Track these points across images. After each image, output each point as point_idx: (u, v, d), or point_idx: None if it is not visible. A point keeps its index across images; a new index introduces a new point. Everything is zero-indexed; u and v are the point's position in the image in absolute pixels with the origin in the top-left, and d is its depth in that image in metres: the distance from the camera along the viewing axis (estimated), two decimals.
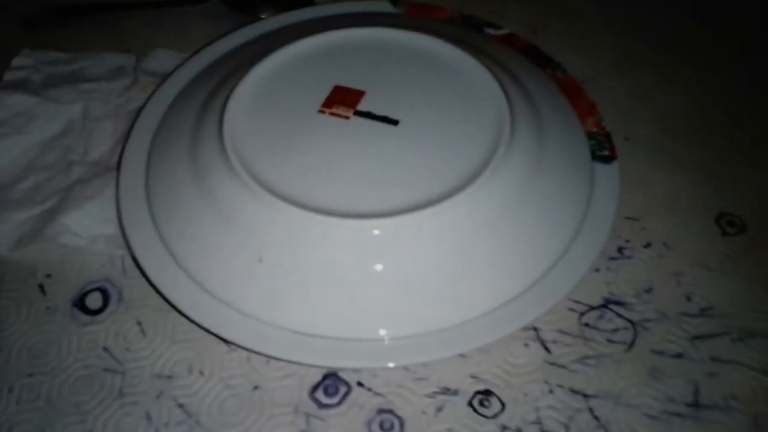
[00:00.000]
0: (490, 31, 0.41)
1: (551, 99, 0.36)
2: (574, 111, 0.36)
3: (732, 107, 0.42)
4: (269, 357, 0.30)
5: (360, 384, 0.30)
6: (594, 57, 0.45)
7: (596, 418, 0.29)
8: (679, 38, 0.47)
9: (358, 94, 0.33)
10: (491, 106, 0.33)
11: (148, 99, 0.39)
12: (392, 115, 0.33)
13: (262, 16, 0.47)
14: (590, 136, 0.35)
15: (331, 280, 0.29)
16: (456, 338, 0.28)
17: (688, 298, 0.33)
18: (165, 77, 0.40)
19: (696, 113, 0.42)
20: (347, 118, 0.32)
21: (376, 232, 0.29)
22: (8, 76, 0.44)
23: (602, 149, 0.35)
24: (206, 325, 0.29)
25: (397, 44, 0.36)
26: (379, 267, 0.29)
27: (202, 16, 0.49)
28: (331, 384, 0.30)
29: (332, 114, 0.33)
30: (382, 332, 0.28)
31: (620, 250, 0.35)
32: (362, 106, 0.33)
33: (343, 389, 0.30)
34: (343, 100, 0.33)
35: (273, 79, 0.35)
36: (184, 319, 0.31)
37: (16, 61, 0.45)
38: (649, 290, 0.33)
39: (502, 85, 0.33)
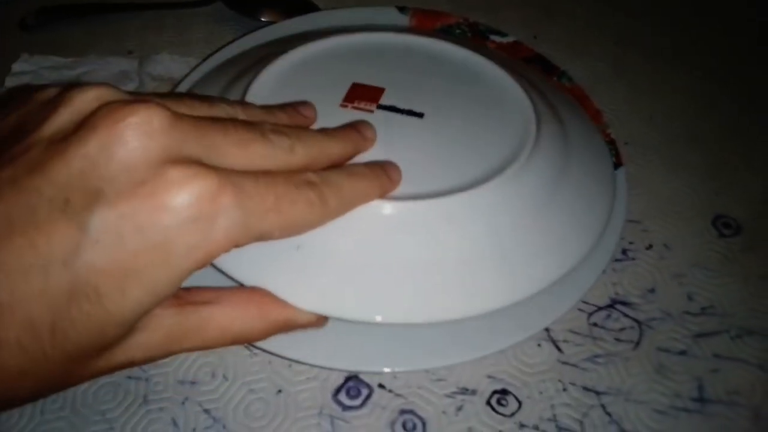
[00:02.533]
0: (496, 38, 0.42)
1: (569, 105, 0.37)
2: (588, 116, 0.37)
3: (727, 112, 0.44)
4: (289, 360, 0.31)
5: (381, 386, 0.31)
6: (592, 61, 0.46)
7: (608, 414, 0.30)
8: (675, 43, 0.48)
9: (377, 91, 0.33)
10: (514, 106, 0.33)
11: None
12: (416, 110, 0.33)
13: (263, 20, 0.48)
14: None
15: (355, 262, 0.28)
16: (475, 342, 0.29)
17: (690, 298, 0.35)
18: (177, 83, 0.40)
19: (693, 118, 0.44)
20: (371, 111, 0.32)
21: (406, 214, 0.28)
22: (9, 82, 0.44)
23: (604, 143, 0.36)
24: None
25: (413, 48, 0.36)
26: (403, 250, 0.28)
27: (203, 18, 0.50)
28: (353, 386, 0.31)
29: (354, 108, 0.32)
30: (398, 316, 0.27)
31: (624, 251, 0.36)
32: (384, 102, 0.33)
33: (365, 391, 0.31)
34: (363, 96, 0.33)
35: (288, 78, 0.34)
36: None
37: (17, 66, 0.45)
38: (652, 290, 0.35)
39: (523, 88, 0.33)
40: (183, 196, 0.20)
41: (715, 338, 0.33)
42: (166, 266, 0.20)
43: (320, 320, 0.27)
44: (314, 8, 0.47)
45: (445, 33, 0.42)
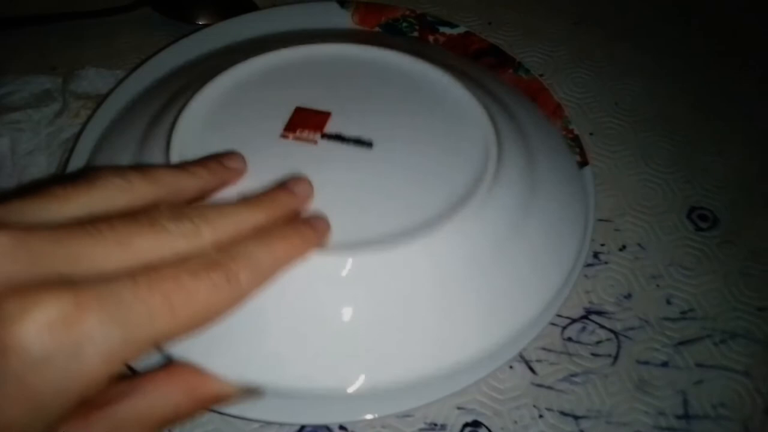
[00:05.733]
0: (446, 30, 0.39)
1: (532, 115, 0.33)
2: (553, 124, 0.34)
3: (694, 94, 0.42)
4: (235, 417, 0.28)
5: (342, 428, 0.29)
6: (550, 46, 0.44)
7: None
8: (635, 25, 0.46)
9: (323, 117, 0.30)
10: (472, 126, 0.30)
11: (83, 127, 0.35)
12: (365, 137, 0.30)
13: (199, 23, 0.44)
14: None
15: (301, 322, 0.26)
16: (440, 381, 0.26)
17: (668, 302, 0.32)
18: (100, 101, 0.37)
19: (658, 103, 0.41)
20: (314, 142, 0.29)
21: (349, 268, 0.26)
22: None
23: (572, 154, 0.33)
24: None
25: (358, 60, 0.33)
26: (350, 308, 0.26)
27: (131, 25, 0.45)
28: (311, 431, 0.29)
29: (297, 138, 0.29)
30: (353, 383, 0.25)
31: (596, 255, 0.34)
32: (329, 129, 0.30)
33: None
34: (306, 122, 0.30)
35: (225, 102, 0.31)
36: None
37: None
38: (628, 296, 0.33)
39: (482, 102, 0.30)
40: (24, 331, 0.16)
41: (697, 345, 0.31)
42: (35, 416, 0.17)
43: (256, 391, 0.24)
44: (254, 7, 0.44)
45: (391, 29, 0.39)
